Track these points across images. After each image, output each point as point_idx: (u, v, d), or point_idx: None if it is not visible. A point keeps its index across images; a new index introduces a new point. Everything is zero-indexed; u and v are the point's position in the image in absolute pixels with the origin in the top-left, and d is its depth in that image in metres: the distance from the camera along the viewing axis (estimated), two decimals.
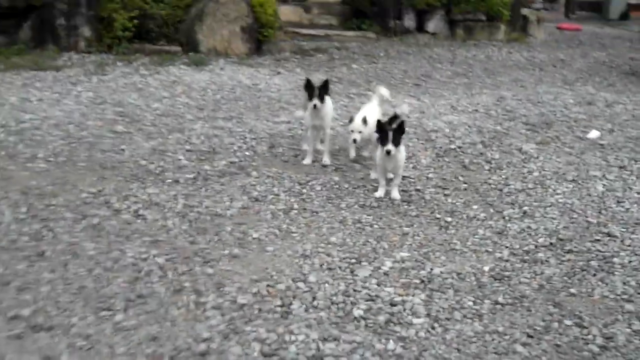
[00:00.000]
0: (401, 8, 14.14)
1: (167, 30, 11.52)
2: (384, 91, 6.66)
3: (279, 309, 3.89)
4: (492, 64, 11.87)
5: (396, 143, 5.37)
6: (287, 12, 13.67)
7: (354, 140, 5.96)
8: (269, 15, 11.73)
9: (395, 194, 5.60)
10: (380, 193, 5.60)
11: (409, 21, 14.38)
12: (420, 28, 14.43)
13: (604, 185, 6.07)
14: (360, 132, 5.90)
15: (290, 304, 3.94)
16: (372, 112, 6.20)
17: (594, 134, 7.65)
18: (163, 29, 11.51)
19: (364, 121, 5.88)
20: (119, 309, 3.83)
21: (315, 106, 6.01)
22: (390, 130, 5.40)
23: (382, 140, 5.41)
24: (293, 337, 3.61)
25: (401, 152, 5.51)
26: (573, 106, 8.90)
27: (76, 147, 6.45)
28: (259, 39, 11.78)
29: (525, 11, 15.58)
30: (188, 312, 3.84)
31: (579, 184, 6.08)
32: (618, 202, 5.71)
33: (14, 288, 4.01)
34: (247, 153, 6.52)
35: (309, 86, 6.12)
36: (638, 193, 5.90)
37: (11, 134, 6.70)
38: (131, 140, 6.73)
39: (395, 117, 5.94)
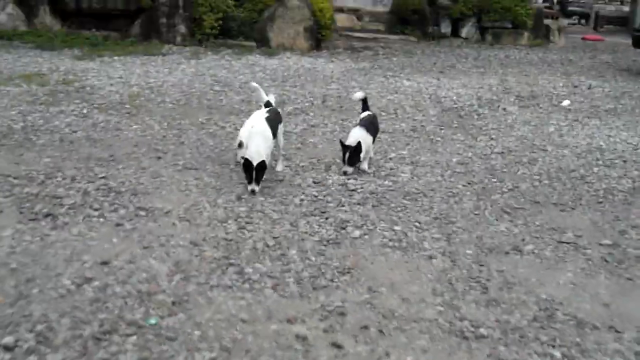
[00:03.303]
0: (438, 16, 16.96)
1: (245, 29, 14.54)
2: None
3: (323, 167, 6.70)
4: (509, 61, 14.53)
5: (352, 164, 6.29)
6: (342, 19, 16.61)
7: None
8: (327, 19, 14.68)
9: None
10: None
11: (445, 27, 17.15)
12: (455, 33, 17.19)
13: (555, 128, 8.72)
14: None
15: (329, 168, 6.76)
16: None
17: (565, 102, 10.28)
18: (241, 28, 14.54)
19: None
20: (231, 164, 6.71)
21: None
22: (348, 151, 6.23)
23: (343, 158, 6.30)
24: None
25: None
26: (561, 88, 11.53)
27: (189, 98, 9.41)
28: (318, 38, 14.71)
29: (547, 21, 18.14)
30: None
31: (537, 127, 8.76)
32: (560, 135, 8.36)
33: (171, 154, 6.93)
34: (306, 104, 9.38)
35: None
36: (576, 132, 8.53)
37: (144, 89, 9.73)
38: (226, 95, 9.67)
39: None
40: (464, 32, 17.29)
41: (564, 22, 20.81)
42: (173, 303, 4.04)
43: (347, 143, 6.30)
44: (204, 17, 14.06)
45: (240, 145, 6.10)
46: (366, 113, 6.93)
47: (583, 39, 20.35)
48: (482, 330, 3.92)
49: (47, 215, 5.18)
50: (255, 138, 5.85)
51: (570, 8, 28.34)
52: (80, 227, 5.01)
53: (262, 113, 6.29)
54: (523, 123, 8.85)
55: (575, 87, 11.67)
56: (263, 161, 5.70)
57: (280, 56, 13.24)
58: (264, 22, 14.51)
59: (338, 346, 3.71)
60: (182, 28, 14.21)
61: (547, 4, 21.68)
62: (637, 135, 8.43)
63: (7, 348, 3.51)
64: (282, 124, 6.47)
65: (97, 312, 3.90)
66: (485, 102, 10.03)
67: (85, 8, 14.01)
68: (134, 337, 3.67)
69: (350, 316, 4.01)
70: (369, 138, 6.42)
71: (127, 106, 8.63)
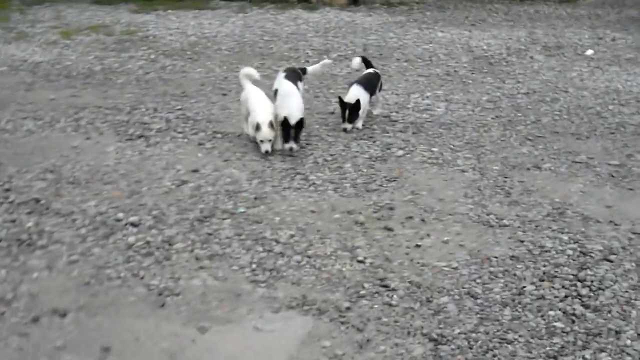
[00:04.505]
0: None
1: None
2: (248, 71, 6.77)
3: None
4: (538, 16, 15.19)
5: (351, 120, 6.51)
6: None
7: (267, 152, 5.89)
8: None
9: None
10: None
11: None
12: None
13: (577, 73, 9.52)
14: (270, 140, 5.91)
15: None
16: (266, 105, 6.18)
17: (589, 51, 11.01)
18: None
19: (271, 125, 5.89)
20: None
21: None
22: (348, 108, 6.45)
23: (342, 115, 6.53)
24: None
25: None
26: (586, 39, 12.23)
27: (243, 46, 10.36)
28: None
29: None
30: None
31: (561, 72, 9.57)
32: (581, 80, 9.18)
33: (234, 92, 7.91)
34: (349, 52, 10.27)
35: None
36: (596, 77, 9.33)
37: (200, 38, 10.70)
38: (275, 44, 10.59)
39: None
40: None
41: None
42: (255, 198, 5.06)
43: (346, 100, 6.47)
44: None
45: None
46: (369, 70, 7.10)
47: None
48: (504, 221, 4.89)
49: (140, 136, 6.23)
50: (289, 98, 6.06)
51: None
52: (170, 145, 6.05)
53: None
54: (548, 69, 9.66)
55: (600, 38, 12.37)
56: (302, 119, 5.92)
57: (321, 10, 14.09)
58: None
59: (389, 229, 4.71)
60: None
61: None
62: None
63: (134, 224, 4.57)
64: (301, 82, 6.57)
65: (196, 203, 4.94)
66: (514, 51, 10.83)
67: None
68: (229, 220, 4.71)
69: (398, 210, 5.01)
70: (367, 96, 6.59)
71: (189, 52, 9.61)
